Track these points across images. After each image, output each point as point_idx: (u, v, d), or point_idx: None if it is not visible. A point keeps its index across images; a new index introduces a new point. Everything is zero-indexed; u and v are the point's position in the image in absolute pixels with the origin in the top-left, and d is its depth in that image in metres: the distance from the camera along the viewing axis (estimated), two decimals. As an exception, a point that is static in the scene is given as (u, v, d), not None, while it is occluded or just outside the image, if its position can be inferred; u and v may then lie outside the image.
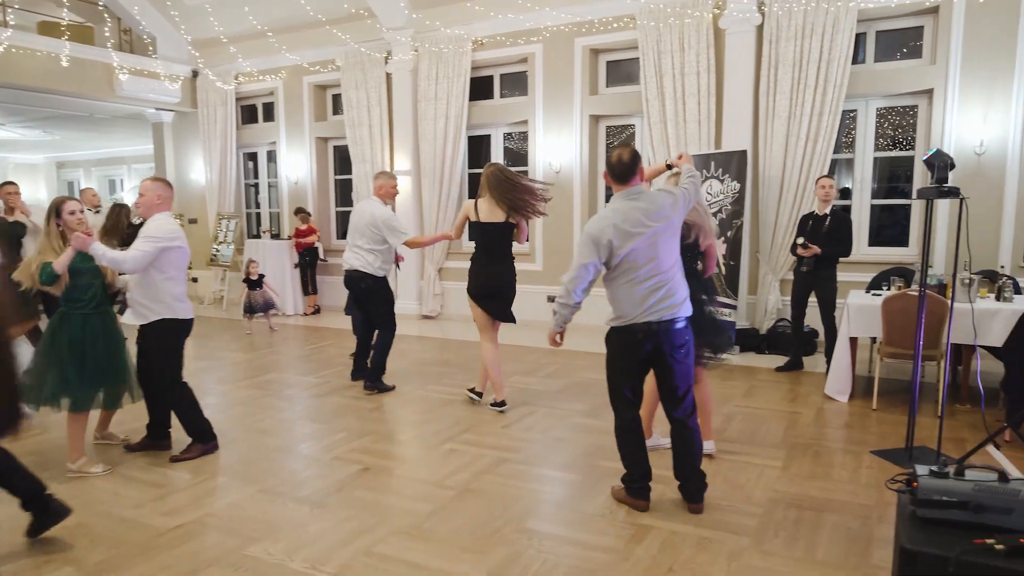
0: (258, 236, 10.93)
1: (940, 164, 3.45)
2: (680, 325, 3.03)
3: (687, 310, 3.06)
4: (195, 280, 11.31)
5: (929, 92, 6.19)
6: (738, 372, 5.87)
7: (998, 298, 4.54)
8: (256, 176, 11.27)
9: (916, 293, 4.35)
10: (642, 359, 3.08)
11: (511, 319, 4.89)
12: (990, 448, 3.56)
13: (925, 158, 3.53)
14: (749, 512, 3.16)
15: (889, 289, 5.06)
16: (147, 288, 3.78)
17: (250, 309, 8.09)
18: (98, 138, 15.29)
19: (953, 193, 3.45)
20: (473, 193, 9.03)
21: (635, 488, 3.21)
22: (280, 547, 2.97)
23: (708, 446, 3.65)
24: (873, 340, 5.33)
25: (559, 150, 7.96)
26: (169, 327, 3.86)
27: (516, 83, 8.53)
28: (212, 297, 10.95)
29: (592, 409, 4.80)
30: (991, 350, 4.71)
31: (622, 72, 7.83)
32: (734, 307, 6.53)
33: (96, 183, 19.27)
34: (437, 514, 3.25)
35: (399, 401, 5.21)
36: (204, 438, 4.10)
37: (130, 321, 3.90)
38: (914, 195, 6.40)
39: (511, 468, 3.78)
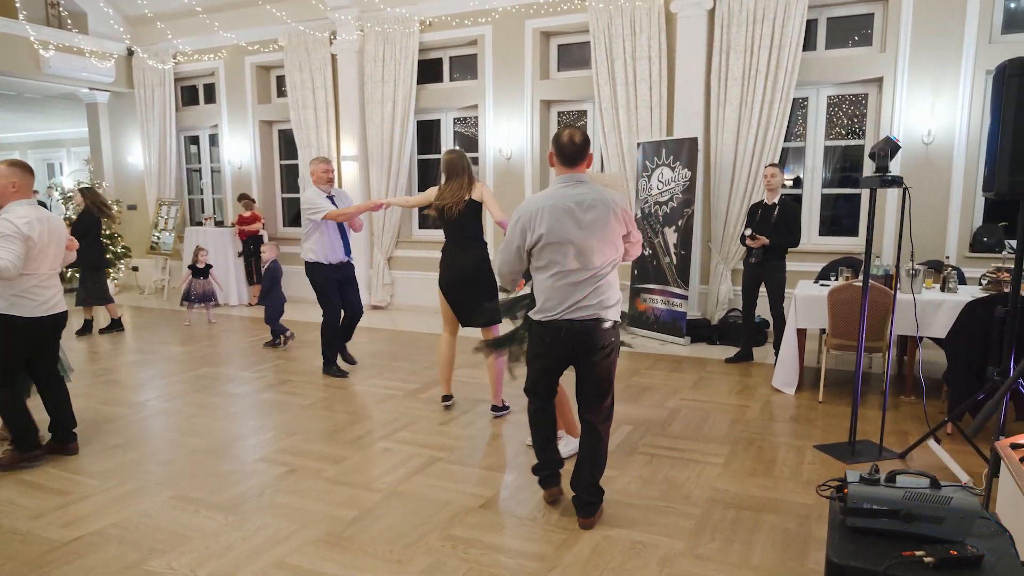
0: (200, 223, 10.49)
1: (881, 153, 3.35)
2: (606, 326, 2.83)
3: (615, 313, 2.87)
4: (135, 269, 10.83)
5: (879, 80, 6.16)
6: (688, 363, 5.78)
7: (943, 289, 4.51)
8: (199, 161, 10.78)
9: (861, 284, 4.28)
10: (561, 357, 2.90)
11: (479, 323, 4.28)
12: (931, 443, 3.51)
13: (873, 147, 3.44)
14: (686, 513, 3.03)
15: (837, 279, 5.00)
16: None
17: (188, 297, 7.71)
18: (32, 119, 14.48)
19: (896, 182, 3.36)
20: (422, 181, 8.80)
21: (542, 477, 3.10)
22: (185, 560, 2.73)
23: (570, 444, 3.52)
24: (822, 331, 5.28)
25: (510, 136, 7.75)
26: (4, 323, 3.53)
27: (466, 66, 8.27)
28: (153, 287, 10.48)
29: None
30: (936, 341, 4.70)
31: (574, 56, 7.64)
32: (685, 297, 6.44)
33: (33, 167, 18.35)
34: (360, 520, 3.05)
35: (338, 396, 4.97)
36: (22, 446, 3.71)
37: None
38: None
39: (443, 469, 3.59)
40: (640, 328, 6.91)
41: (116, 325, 7.41)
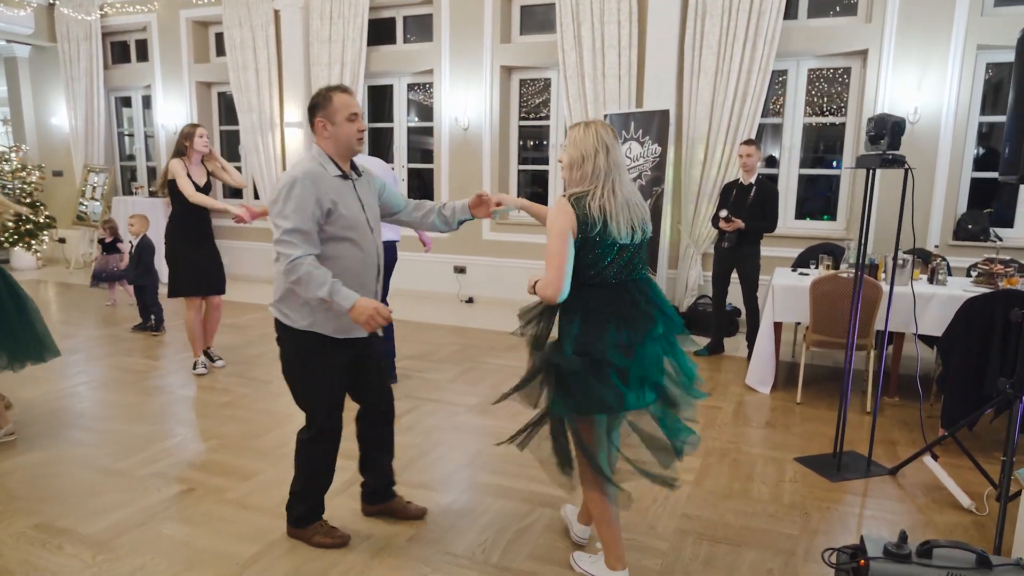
0: (132, 193, 9.64)
1: (880, 130, 2.88)
2: (276, 319, 2.53)
3: (277, 311, 2.49)
4: (62, 241, 9.92)
5: (863, 53, 5.71)
6: (653, 356, 5.32)
7: (931, 281, 4.11)
8: (133, 124, 9.88)
9: (847, 275, 3.86)
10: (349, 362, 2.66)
11: None
12: (927, 459, 3.10)
13: (871, 122, 2.96)
14: (652, 548, 2.56)
15: (817, 268, 4.57)
16: None
17: (96, 276, 6.92)
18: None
19: (898, 162, 2.90)
20: (373, 151, 8.13)
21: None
22: (29, 618, 2.16)
23: None
24: (797, 324, 4.88)
25: (467, 104, 7.12)
26: None
27: (421, 27, 7.59)
28: (81, 261, 9.62)
29: (484, 403, 4.12)
30: (924, 338, 4.33)
31: (537, 19, 7.03)
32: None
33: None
34: (261, 559, 2.50)
35: (262, 393, 4.37)
36: None
37: None
38: (850, 164, 5.97)
39: (372, 487, 3.05)
40: (603, 315, 6.43)
41: None
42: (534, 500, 2.92)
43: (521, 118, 7.28)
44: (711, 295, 5.71)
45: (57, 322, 6.34)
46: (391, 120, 7.92)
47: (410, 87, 7.81)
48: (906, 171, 2.91)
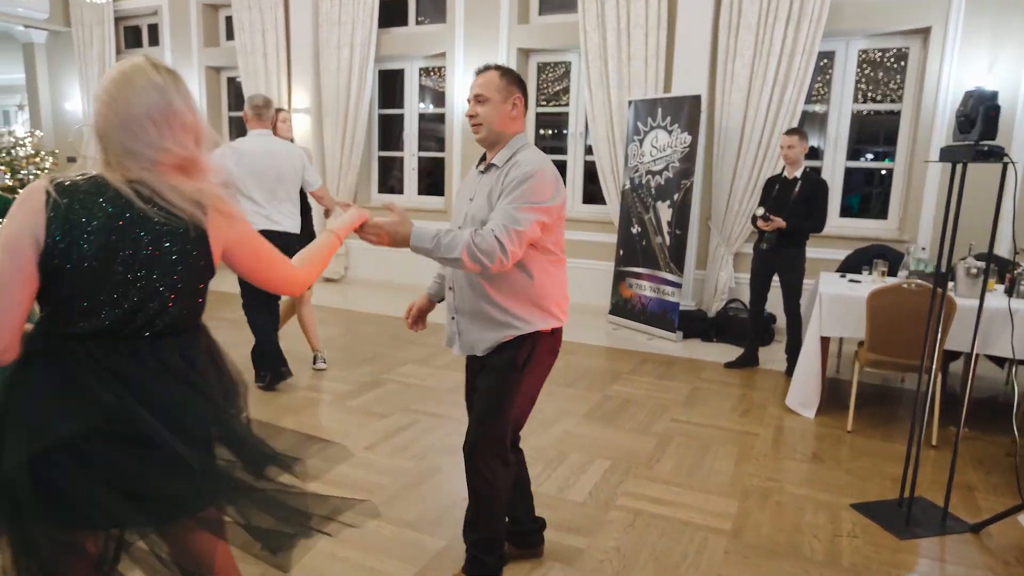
0: (139, 181, 9.41)
1: (983, 114, 2.36)
2: None
3: None
4: (72, 231, 9.73)
5: (925, 32, 5.11)
6: (680, 366, 4.83)
7: (1010, 293, 3.53)
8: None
9: (912, 286, 3.32)
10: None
11: None
12: (1021, 516, 2.57)
13: (961, 106, 2.45)
14: (680, 624, 2.09)
15: (871, 274, 4.03)
16: None
17: None
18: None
19: (995, 154, 2.38)
20: (383, 139, 7.73)
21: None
22: None
23: None
24: (842, 340, 4.34)
25: (483, 89, 6.64)
26: None
27: (434, 8, 7.12)
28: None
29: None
30: (995, 360, 3.78)
31: (558, -3, 6.53)
32: (678, 285, 5.47)
33: (-16, 115, 17.07)
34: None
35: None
36: None
37: None
38: (904, 156, 5.38)
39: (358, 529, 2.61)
40: (624, 318, 5.94)
41: None
42: (546, 552, 2.45)
43: (539, 105, 6.79)
44: (744, 299, 5.21)
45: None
46: (402, 106, 7.48)
47: (422, 71, 7.36)
48: (1005, 165, 2.39)
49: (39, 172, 9.21)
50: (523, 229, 1.85)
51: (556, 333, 2.09)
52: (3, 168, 9.13)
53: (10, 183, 8.96)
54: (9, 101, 16.22)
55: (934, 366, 3.16)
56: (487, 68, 2.01)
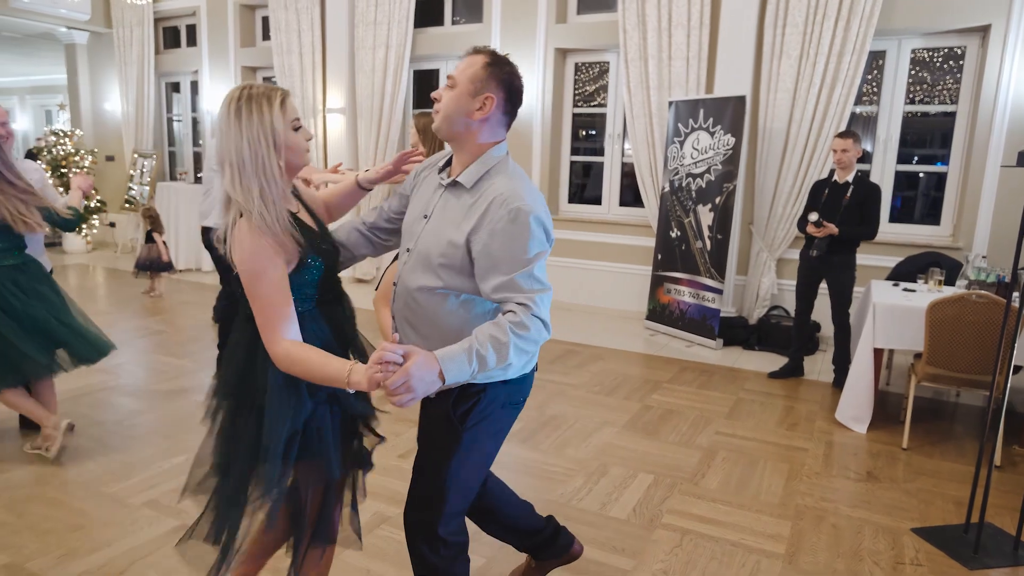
0: (176, 178, 9.51)
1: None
2: None
3: None
4: (112, 225, 9.90)
5: (984, 29, 4.89)
6: (720, 375, 4.69)
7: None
8: (181, 109, 9.76)
9: (976, 297, 3.15)
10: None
11: None
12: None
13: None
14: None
15: (926, 283, 3.85)
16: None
17: (139, 264, 6.74)
18: (25, 62, 13.48)
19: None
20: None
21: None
22: None
23: None
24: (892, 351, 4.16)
25: (519, 90, 6.56)
26: None
27: (471, 7, 7.06)
28: (129, 245, 9.55)
29: (518, 429, 3.58)
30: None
31: (597, -5, 6.42)
32: (719, 291, 5.32)
33: (31, 113, 17.54)
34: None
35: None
36: None
37: None
38: (959, 159, 5.16)
39: (385, 536, 2.56)
40: (662, 324, 5.81)
41: None
42: (584, 570, 2.37)
43: (575, 105, 6.69)
44: (787, 306, 5.05)
45: (88, 311, 6.11)
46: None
47: (458, 71, 7.31)
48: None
49: (78, 170, 9.42)
50: (547, 287, 1.54)
51: (516, 382, 1.67)
52: (45, 166, 9.37)
53: (51, 181, 9.21)
54: (51, 100, 16.69)
55: (998, 381, 2.99)
56: (477, 51, 1.62)
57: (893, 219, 5.50)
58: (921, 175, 5.60)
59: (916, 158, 5.54)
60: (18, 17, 8.76)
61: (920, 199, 5.65)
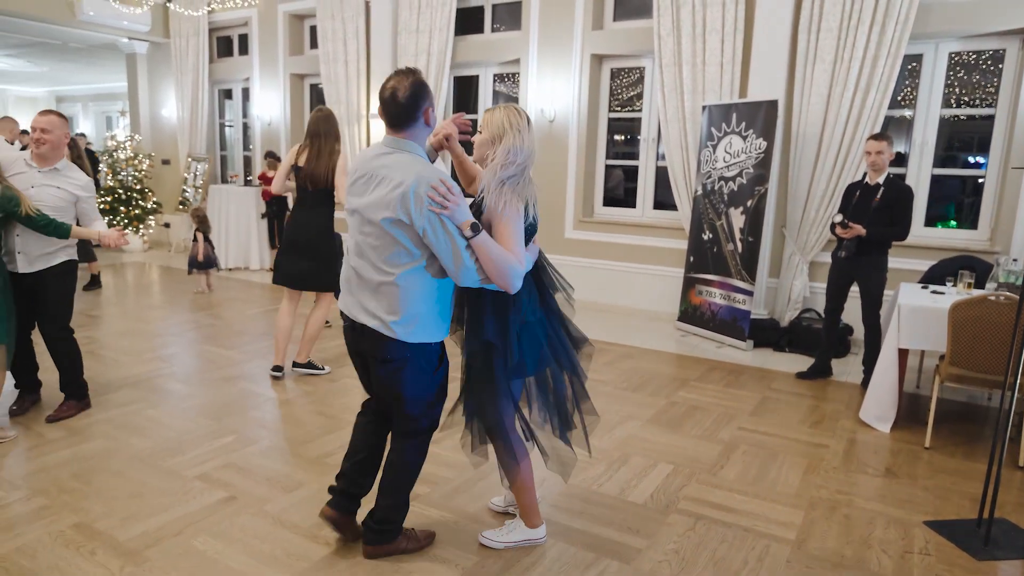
0: (227, 181, 9.97)
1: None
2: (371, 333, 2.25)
3: (375, 321, 2.23)
4: (167, 226, 10.43)
5: (1023, 32, 4.86)
6: (749, 375, 4.75)
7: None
8: (233, 115, 10.23)
9: (999, 298, 3.18)
10: (354, 353, 2.44)
11: (311, 286, 4.31)
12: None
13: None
14: (740, 627, 2.10)
15: (956, 286, 3.86)
16: None
17: (191, 263, 7.12)
18: (88, 71, 14.27)
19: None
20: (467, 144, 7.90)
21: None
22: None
23: None
24: (923, 353, 4.17)
25: (555, 95, 6.73)
26: (73, 269, 3.67)
27: (510, 15, 7.26)
28: (182, 245, 10.04)
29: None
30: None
31: (632, 3, 6.53)
32: (749, 293, 5.38)
33: (92, 120, 18.46)
34: (286, 591, 2.24)
35: (324, 392, 4.19)
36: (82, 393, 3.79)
37: (25, 269, 3.48)
38: (997, 162, 5.11)
39: (417, 511, 2.74)
40: (693, 325, 5.88)
41: (95, 282, 7.16)
42: (599, 547, 2.51)
43: (611, 110, 6.82)
44: (819, 309, 5.07)
45: (143, 306, 6.50)
46: (476, 112, 7.65)
47: (496, 77, 7.51)
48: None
49: (137, 173, 9.95)
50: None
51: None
52: (106, 169, 9.93)
53: (112, 183, 9.75)
54: (112, 107, 17.56)
55: (1019, 381, 3.01)
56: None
57: (928, 223, 5.47)
58: (967, 179, 5.55)
59: (957, 160, 5.50)
60: (84, 29, 9.34)
61: (962, 202, 5.59)
